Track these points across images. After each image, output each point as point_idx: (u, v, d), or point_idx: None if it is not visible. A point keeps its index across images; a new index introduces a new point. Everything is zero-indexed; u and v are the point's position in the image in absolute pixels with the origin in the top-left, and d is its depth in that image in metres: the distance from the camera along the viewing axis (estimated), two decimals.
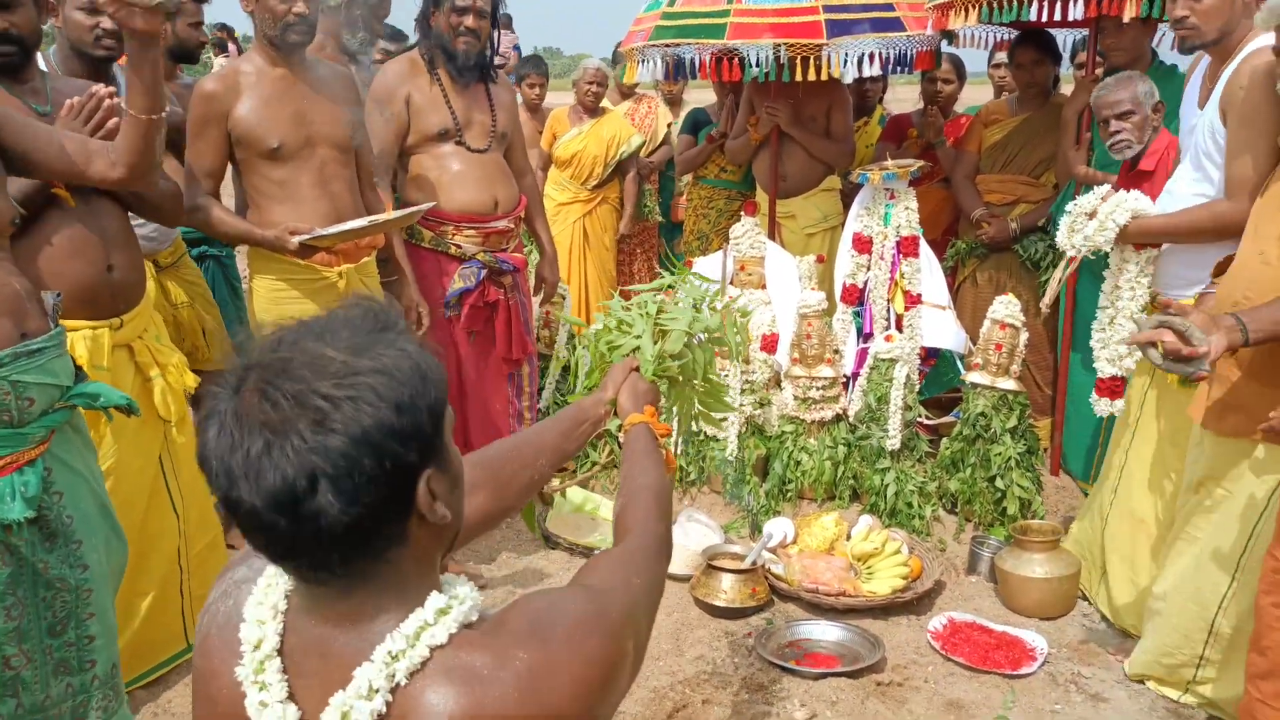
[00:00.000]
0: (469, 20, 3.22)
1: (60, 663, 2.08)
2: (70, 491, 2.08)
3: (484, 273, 3.35)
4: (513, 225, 3.47)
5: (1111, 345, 2.82)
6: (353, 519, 0.90)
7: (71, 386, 2.07)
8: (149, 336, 2.63)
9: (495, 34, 3.33)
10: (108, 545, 2.19)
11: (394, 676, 0.93)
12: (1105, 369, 2.85)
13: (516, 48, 6.01)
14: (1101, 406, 2.89)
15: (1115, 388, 2.85)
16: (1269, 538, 2.30)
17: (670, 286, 1.88)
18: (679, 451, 3.76)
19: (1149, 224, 2.67)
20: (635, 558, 1.22)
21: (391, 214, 2.93)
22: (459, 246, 3.34)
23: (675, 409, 1.80)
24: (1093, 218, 2.80)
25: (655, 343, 1.71)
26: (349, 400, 0.89)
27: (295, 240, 2.74)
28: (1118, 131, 3.14)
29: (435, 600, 0.97)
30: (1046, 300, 3.11)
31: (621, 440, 1.57)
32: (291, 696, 0.96)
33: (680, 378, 1.77)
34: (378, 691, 0.92)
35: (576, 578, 1.15)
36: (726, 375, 3.66)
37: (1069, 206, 2.89)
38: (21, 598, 2.00)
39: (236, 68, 2.86)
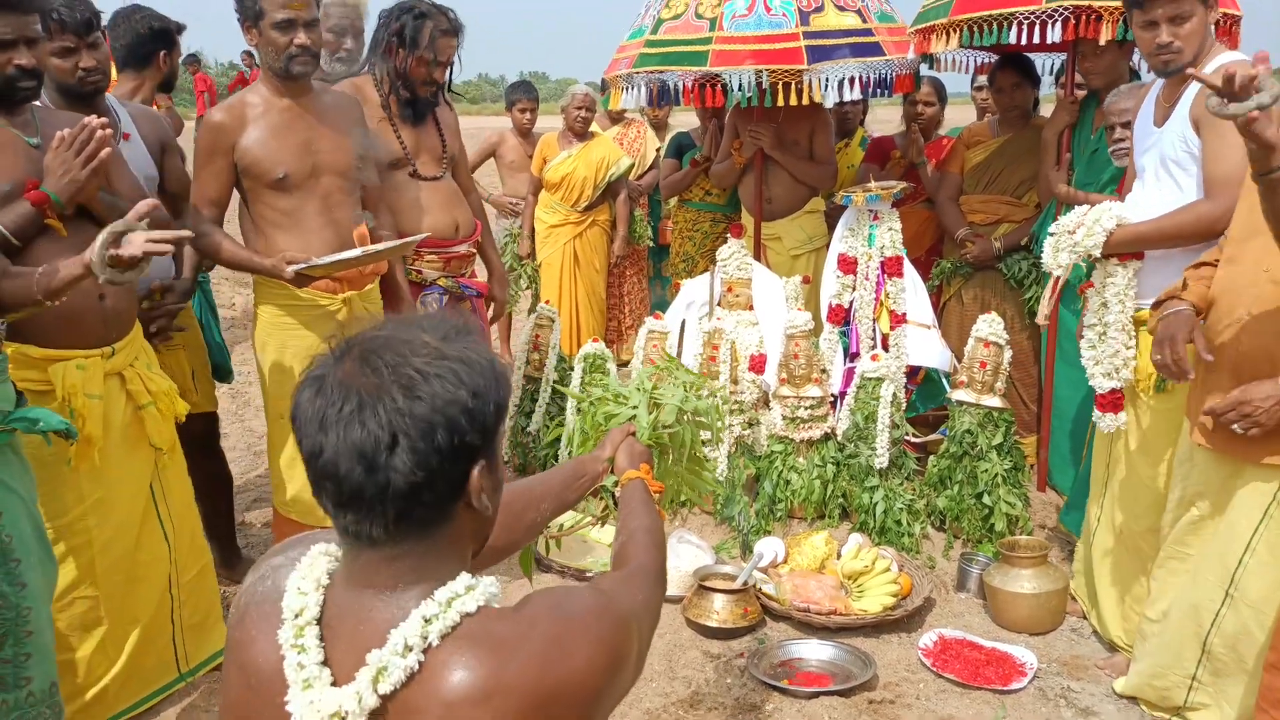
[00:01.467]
0: (438, 73, 3.29)
1: None
2: (9, 511, 2.11)
3: (445, 299, 3.39)
4: (473, 250, 3.51)
5: (1106, 360, 2.83)
6: (417, 481, 1.02)
7: (12, 411, 2.11)
8: (140, 365, 2.64)
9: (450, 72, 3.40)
10: (42, 565, 2.22)
11: (427, 637, 1.02)
12: (1103, 384, 2.83)
13: None
14: (1106, 422, 2.85)
15: (1117, 401, 2.85)
16: (1264, 554, 2.31)
17: (661, 370, 2.06)
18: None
19: (1135, 230, 2.71)
20: (636, 577, 1.34)
21: (384, 244, 2.96)
22: (420, 273, 3.36)
23: (664, 477, 1.91)
24: (1077, 233, 2.83)
25: (650, 413, 1.85)
26: (436, 376, 1.03)
27: (291, 269, 2.77)
28: (1121, 140, 3.20)
29: (464, 577, 1.08)
30: (1044, 312, 3.14)
31: (618, 494, 1.69)
32: (325, 662, 1.05)
33: (669, 449, 1.90)
34: (412, 649, 1.01)
35: (586, 584, 1.25)
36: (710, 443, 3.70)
37: (1052, 227, 2.93)
38: None
39: (243, 99, 2.91)
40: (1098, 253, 2.77)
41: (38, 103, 2.81)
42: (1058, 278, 2.96)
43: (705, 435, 2.03)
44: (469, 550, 1.12)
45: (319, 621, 1.07)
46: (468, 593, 1.05)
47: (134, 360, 2.62)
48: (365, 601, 1.06)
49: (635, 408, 1.85)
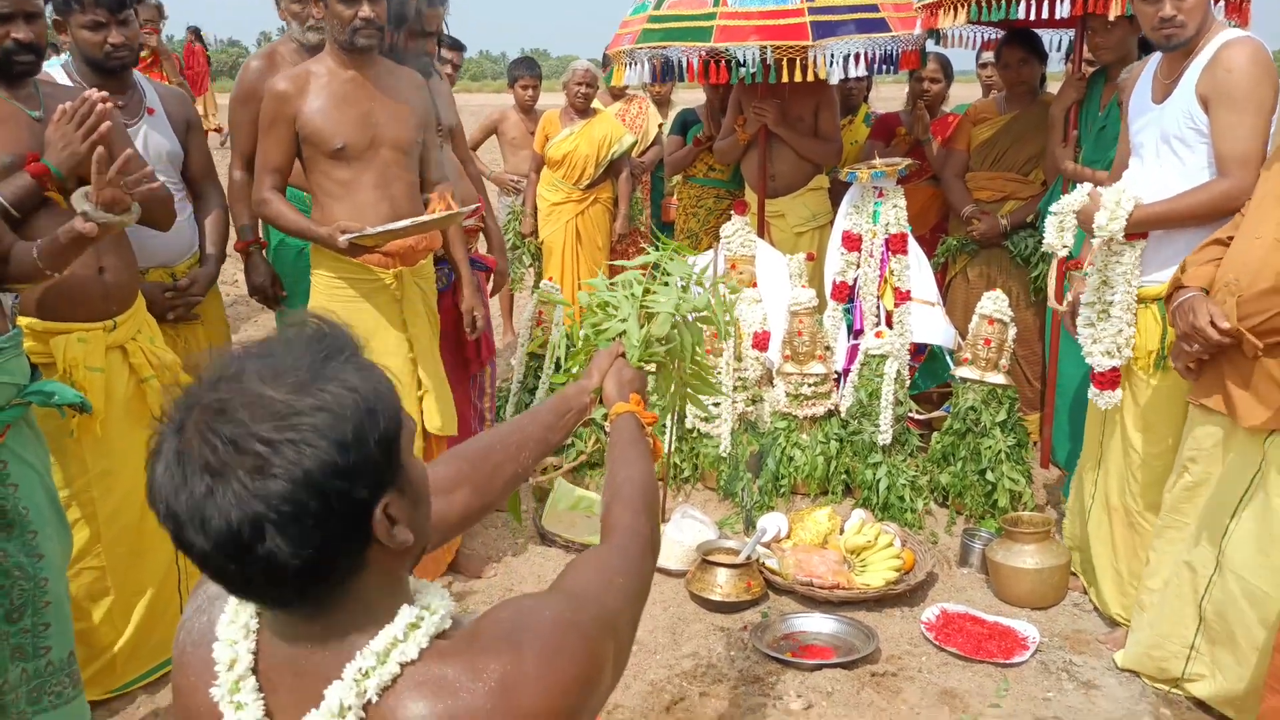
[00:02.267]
0: (429, 45, 3.30)
1: (16, 648, 2.12)
2: (25, 484, 2.13)
3: (454, 275, 3.38)
4: (479, 224, 3.49)
5: (1107, 338, 2.82)
6: (305, 559, 0.89)
7: (26, 385, 2.12)
8: (143, 338, 2.64)
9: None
10: (58, 536, 2.23)
11: (365, 693, 0.93)
12: (1103, 363, 2.83)
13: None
14: (1104, 400, 2.87)
15: (1115, 379, 2.86)
16: (1249, 522, 2.33)
17: (656, 264, 1.82)
18: (672, 448, 3.78)
19: (1149, 211, 2.69)
20: (618, 557, 1.21)
21: (433, 215, 2.96)
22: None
23: (662, 392, 1.75)
24: (1082, 214, 2.81)
25: (642, 326, 1.66)
26: (289, 443, 0.87)
27: (344, 239, 2.79)
28: None
29: (405, 614, 0.96)
30: (1054, 295, 3.11)
31: (607, 429, 1.53)
32: (269, 714, 0.97)
33: (668, 362, 1.73)
34: (350, 709, 0.92)
35: (557, 581, 1.14)
36: (718, 372, 3.68)
37: (1054, 206, 2.91)
38: None
39: (308, 68, 2.92)
40: (1121, 236, 2.73)
41: (60, 76, 2.82)
42: (1062, 258, 2.95)
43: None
44: (403, 578, 1.01)
45: (255, 670, 0.98)
46: (409, 635, 0.95)
47: (136, 333, 2.63)
48: (298, 653, 0.97)
49: (624, 321, 1.65)
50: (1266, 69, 2.53)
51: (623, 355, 1.64)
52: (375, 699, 0.92)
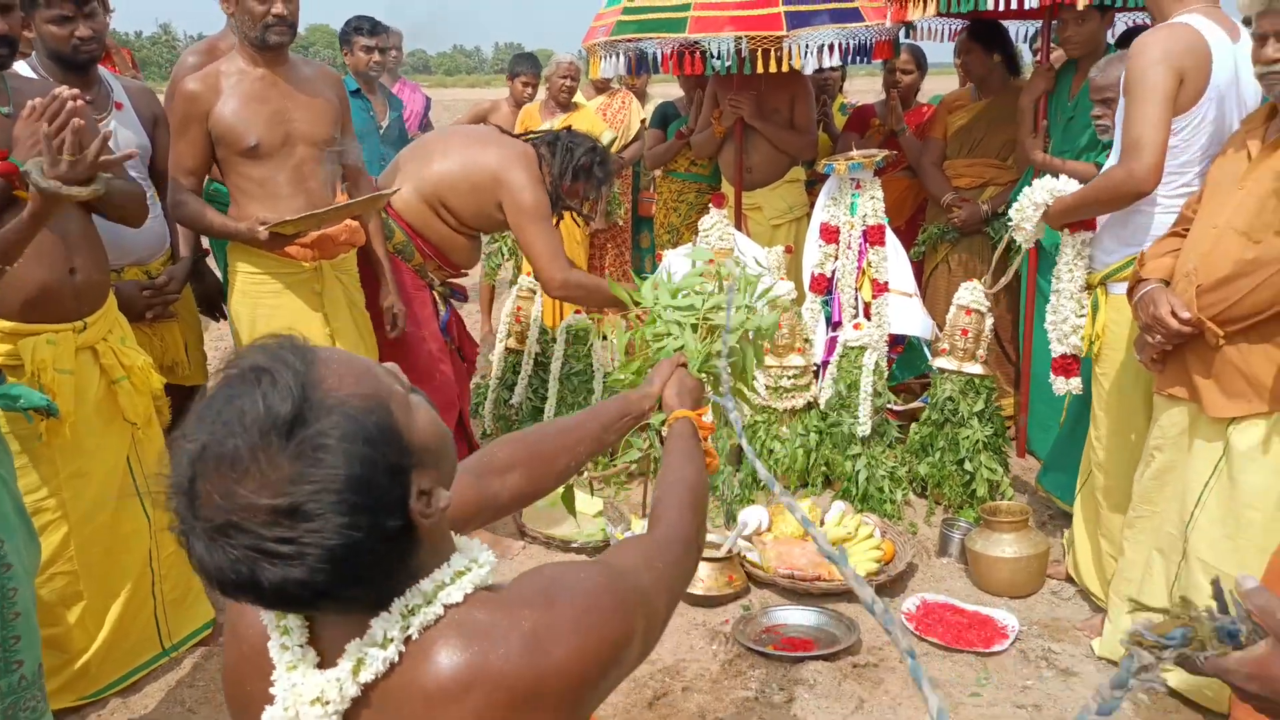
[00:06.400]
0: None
1: None
2: None
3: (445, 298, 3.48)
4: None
5: (1058, 325, 2.93)
6: (364, 580, 0.95)
7: None
8: (114, 339, 2.60)
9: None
10: (25, 545, 2.19)
11: (408, 628, 0.97)
12: (1055, 349, 2.97)
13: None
14: (1059, 385, 3.01)
15: (1069, 366, 2.97)
16: (1213, 509, 2.35)
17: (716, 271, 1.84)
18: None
19: (1063, 202, 2.81)
20: (659, 546, 1.24)
21: (351, 200, 2.95)
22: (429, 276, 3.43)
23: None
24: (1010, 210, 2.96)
25: (704, 339, 1.70)
26: (309, 532, 0.89)
27: (263, 229, 2.78)
28: (1099, 116, 3.19)
29: (456, 562, 1.02)
30: (990, 281, 3.20)
31: (663, 435, 1.58)
32: (312, 642, 1.01)
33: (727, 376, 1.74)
34: (391, 641, 0.97)
35: (600, 556, 1.19)
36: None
37: (1020, 197, 2.99)
38: None
39: (218, 69, 2.90)
40: (1029, 226, 2.89)
41: (25, 71, 2.76)
42: (1000, 248, 3.04)
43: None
44: (447, 533, 1.04)
45: None
46: (454, 581, 1.00)
47: (107, 334, 2.58)
48: None
49: (682, 333, 1.66)
50: (1153, 59, 2.49)
51: (683, 365, 1.67)
52: (416, 636, 0.97)
